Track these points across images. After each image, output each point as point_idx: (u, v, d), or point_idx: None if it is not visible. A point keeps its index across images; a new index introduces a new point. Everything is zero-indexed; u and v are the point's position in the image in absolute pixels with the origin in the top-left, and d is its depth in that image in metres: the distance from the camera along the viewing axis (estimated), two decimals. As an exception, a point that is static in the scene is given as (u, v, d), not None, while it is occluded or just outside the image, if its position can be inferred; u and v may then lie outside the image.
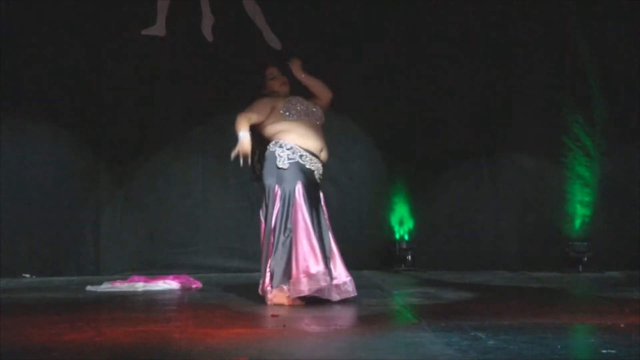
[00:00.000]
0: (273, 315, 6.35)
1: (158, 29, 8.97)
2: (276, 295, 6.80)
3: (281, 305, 6.71)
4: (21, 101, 8.87)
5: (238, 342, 5.45)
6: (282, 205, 6.86)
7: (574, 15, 9.16)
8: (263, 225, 7.02)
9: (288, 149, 6.94)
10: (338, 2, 9.13)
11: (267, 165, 6.97)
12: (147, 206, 9.08)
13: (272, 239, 6.87)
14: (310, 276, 6.74)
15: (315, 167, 7.01)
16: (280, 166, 6.90)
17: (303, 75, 7.20)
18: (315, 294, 6.76)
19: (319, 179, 7.04)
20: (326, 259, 6.81)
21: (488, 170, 9.27)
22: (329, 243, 6.93)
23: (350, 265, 8.91)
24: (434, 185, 9.26)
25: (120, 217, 9.02)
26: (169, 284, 8.00)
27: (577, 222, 9.12)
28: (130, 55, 9.03)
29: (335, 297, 6.85)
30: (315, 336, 5.74)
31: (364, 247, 9.16)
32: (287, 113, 7.02)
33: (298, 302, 6.76)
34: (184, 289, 7.94)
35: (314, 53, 8.96)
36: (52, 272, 8.83)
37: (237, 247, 9.02)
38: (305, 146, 6.96)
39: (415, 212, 9.20)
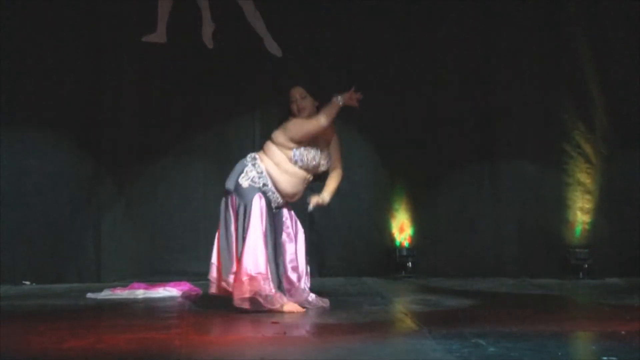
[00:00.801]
0: (273, 322, 6.35)
1: (159, 36, 8.97)
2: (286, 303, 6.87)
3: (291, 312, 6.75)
4: (21, 107, 8.87)
5: (239, 349, 5.45)
6: (238, 216, 6.92)
7: (575, 21, 9.15)
8: (221, 222, 7.07)
9: (258, 173, 6.96)
10: (338, 10, 9.12)
11: (234, 171, 7.01)
12: (148, 212, 9.07)
13: (234, 246, 6.94)
14: (251, 278, 6.77)
15: (274, 200, 7.02)
16: (239, 182, 6.93)
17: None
18: (262, 301, 6.79)
19: (276, 208, 7.06)
20: (274, 265, 6.90)
21: (488, 177, 9.26)
22: (293, 253, 7.08)
23: (351, 272, 8.98)
24: (434, 191, 9.25)
25: (121, 224, 9.02)
26: (169, 291, 8.00)
27: (578, 229, 9.11)
28: (130, 62, 9.03)
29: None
30: (316, 343, 5.74)
31: (364, 254, 9.15)
32: (296, 158, 7.00)
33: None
34: (185, 296, 7.94)
35: (314, 60, 8.98)
36: (52, 279, 8.82)
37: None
38: (278, 186, 6.97)
39: (415, 219, 9.19)
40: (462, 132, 9.23)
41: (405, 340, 5.75)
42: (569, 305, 7.60)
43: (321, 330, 6.26)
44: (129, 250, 9.00)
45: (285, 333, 5.98)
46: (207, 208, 9.09)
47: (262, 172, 6.96)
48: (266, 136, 7.22)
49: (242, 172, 6.97)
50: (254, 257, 6.79)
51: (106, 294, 7.93)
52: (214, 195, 9.08)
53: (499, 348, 5.25)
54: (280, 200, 7.04)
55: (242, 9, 9.03)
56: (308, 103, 7.09)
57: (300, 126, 6.98)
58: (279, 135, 7.01)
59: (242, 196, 6.92)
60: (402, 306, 7.36)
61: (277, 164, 6.99)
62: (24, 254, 8.84)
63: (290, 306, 6.85)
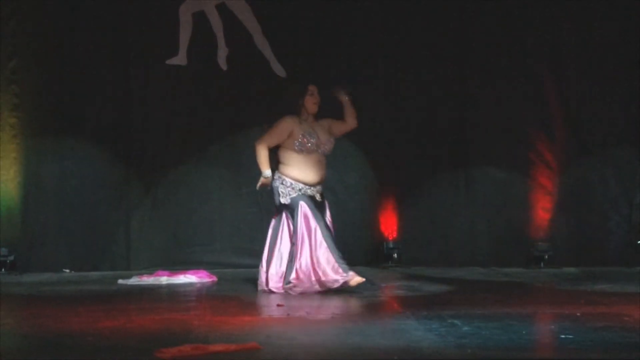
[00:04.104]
0: (279, 305, 6.35)
1: (180, 59, 8.99)
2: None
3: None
4: (63, 120, 8.89)
5: (249, 328, 5.46)
6: (290, 224, 7.03)
7: (536, 47, 9.17)
8: (275, 231, 7.15)
9: (288, 187, 7.00)
10: (335, 37, 9.13)
11: (274, 194, 7.08)
12: (171, 211, 9.07)
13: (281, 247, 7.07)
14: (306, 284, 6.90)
15: (314, 192, 7.06)
16: (282, 202, 6.99)
17: (348, 100, 7.26)
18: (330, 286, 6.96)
19: (320, 197, 7.10)
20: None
21: (464, 181, 9.26)
22: (325, 243, 7.00)
23: (346, 262, 8.94)
24: (417, 193, 9.24)
25: (148, 221, 9.02)
26: (189, 278, 8.00)
27: (540, 225, 9.12)
28: (156, 82, 9.04)
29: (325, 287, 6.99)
30: (315, 323, 5.74)
31: (357, 247, 9.14)
32: (299, 147, 7.02)
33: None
34: (202, 282, 7.94)
35: (314, 80, 8.97)
36: (89, 268, 8.82)
37: (247, 247, 9.01)
38: (305, 180, 7.01)
39: (401, 217, 9.18)
40: (441, 143, 9.23)
41: (392, 320, 5.75)
42: (532, 291, 7.61)
43: (319, 311, 6.26)
44: (154, 243, 9.00)
45: (288, 314, 5.99)
46: (221, 208, 9.12)
47: (290, 184, 6.99)
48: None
49: (279, 195, 7.02)
50: (316, 264, 6.93)
51: (135, 281, 7.93)
52: (228, 197, 9.13)
53: (471, 327, 5.26)
54: (315, 188, 7.06)
55: (251, 36, 9.05)
56: (310, 99, 7.16)
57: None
58: (267, 138, 7.13)
59: (290, 208, 6.98)
60: (389, 291, 7.37)
61: (289, 165, 7.01)
62: (64, 246, 8.85)
63: (357, 279, 6.91)
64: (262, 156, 7.07)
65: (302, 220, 6.90)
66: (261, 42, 9.05)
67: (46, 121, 8.88)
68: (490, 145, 9.21)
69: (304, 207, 6.92)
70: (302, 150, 7.01)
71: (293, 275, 6.87)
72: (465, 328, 5.23)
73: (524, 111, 9.18)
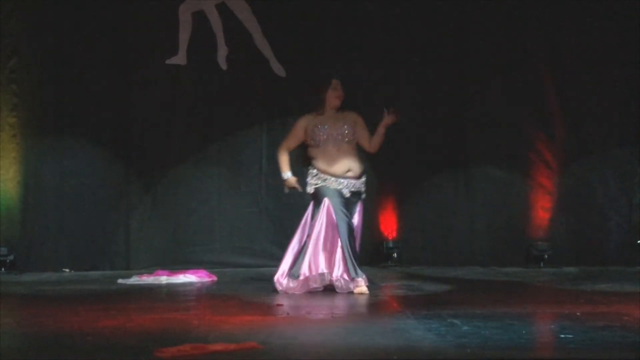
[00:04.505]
0: (279, 305, 6.35)
1: (180, 59, 8.99)
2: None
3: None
4: (63, 119, 8.90)
5: (248, 328, 5.45)
6: (311, 218, 7.02)
7: (537, 49, 9.17)
8: (302, 223, 7.13)
9: (314, 176, 7.07)
10: (334, 36, 9.13)
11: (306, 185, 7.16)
12: (171, 211, 9.07)
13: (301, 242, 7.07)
14: (316, 276, 6.90)
15: (343, 185, 7.05)
16: (308, 191, 7.04)
17: (383, 129, 7.22)
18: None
19: (350, 192, 7.07)
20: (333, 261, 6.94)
21: (463, 181, 9.26)
22: (341, 242, 6.95)
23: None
24: (417, 193, 9.25)
25: (148, 220, 9.02)
26: (188, 278, 8.01)
27: (539, 225, 9.12)
28: (156, 81, 9.04)
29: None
30: (315, 323, 5.74)
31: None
32: (312, 141, 7.08)
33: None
34: (202, 282, 7.94)
35: (313, 79, 8.97)
36: (88, 267, 8.82)
37: (247, 246, 9.02)
38: (330, 171, 7.06)
39: (401, 217, 9.19)
40: (441, 142, 9.22)
41: (392, 320, 5.75)
42: (531, 290, 7.61)
43: (319, 311, 6.26)
44: (154, 243, 9.00)
45: (288, 314, 5.99)
46: (221, 208, 9.11)
47: (316, 174, 7.05)
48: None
49: (307, 184, 7.10)
50: (318, 259, 6.93)
51: (134, 280, 7.94)
52: (227, 196, 9.13)
53: (471, 327, 5.26)
54: (345, 180, 7.05)
55: (251, 36, 9.05)
56: (333, 93, 7.17)
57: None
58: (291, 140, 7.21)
59: (316, 200, 7.04)
60: (389, 291, 7.37)
61: (314, 158, 7.08)
62: (64, 246, 8.85)
63: (361, 289, 6.87)
64: (281, 160, 7.23)
65: (325, 216, 6.92)
66: (261, 42, 9.05)
67: (46, 121, 8.88)
68: (490, 145, 9.21)
69: (327, 203, 6.94)
70: (317, 143, 7.05)
71: (304, 270, 6.88)
72: (465, 328, 5.23)
73: (524, 111, 9.18)
